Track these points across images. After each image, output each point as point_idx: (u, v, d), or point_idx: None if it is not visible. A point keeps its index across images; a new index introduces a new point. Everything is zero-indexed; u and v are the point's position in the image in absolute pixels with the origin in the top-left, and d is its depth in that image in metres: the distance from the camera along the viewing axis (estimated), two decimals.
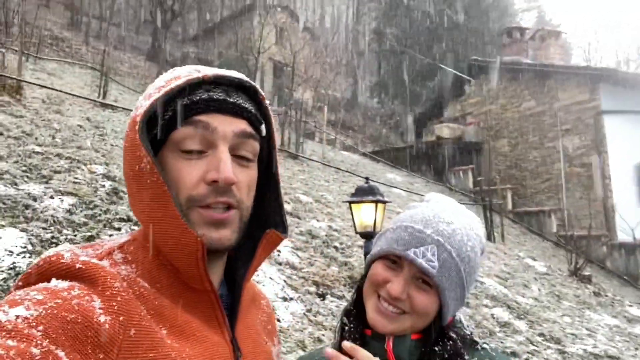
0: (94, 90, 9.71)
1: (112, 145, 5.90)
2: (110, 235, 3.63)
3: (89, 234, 3.52)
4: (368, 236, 3.03)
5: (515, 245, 9.56)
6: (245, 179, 0.75)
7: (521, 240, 10.65)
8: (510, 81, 14.50)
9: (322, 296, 4.11)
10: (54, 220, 3.45)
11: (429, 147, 14.67)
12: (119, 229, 3.77)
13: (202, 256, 0.70)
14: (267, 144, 0.83)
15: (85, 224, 3.62)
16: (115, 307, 0.62)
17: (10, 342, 0.52)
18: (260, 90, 0.80)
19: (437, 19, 22.86)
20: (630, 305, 7.51)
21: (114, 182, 4.54)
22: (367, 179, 3.20)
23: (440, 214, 1.01)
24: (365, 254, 3.15)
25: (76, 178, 4.25)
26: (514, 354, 4.22)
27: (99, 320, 0.59)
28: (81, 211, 3.74)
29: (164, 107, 0.73)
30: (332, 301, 4.09)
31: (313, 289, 4.15)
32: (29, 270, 0.66)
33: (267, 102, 0.81)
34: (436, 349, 0.95)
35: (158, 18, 18.94)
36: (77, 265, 0.64)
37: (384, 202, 3.03)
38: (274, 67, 23.79)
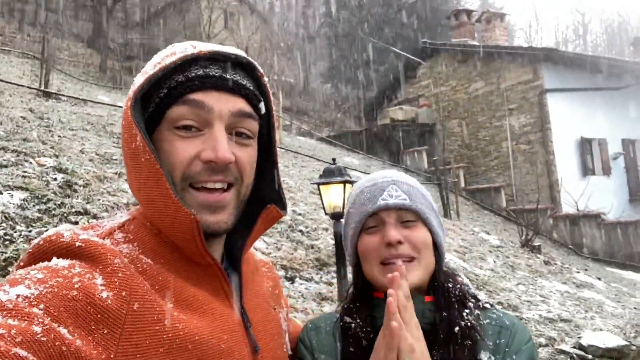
0: (34, 80, 9.14)
1: (60, 136, 5.60)
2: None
3: (44, 229, 3.34)
4: (337, 217, 3.04)
5: (470, 221, 9.93)
6: (245, 156, 0.74)
7: (475, 216, 11.08)
8: (459, 63, 14.90)
9: (291, 279, 4.12)
10: (5, 217, 3.25)
11: (384, 129, 14.89)
12: (76, 223, 3.60)
13: (198, 233, 0.69)
14: (266, 122, 0.82)
15: (40, 218, 3.44)
16: (117, 283, 0.61)
17: (11, 321, 0.51)
18: (258, 66, 0.78)
19: (387, 2, 23.03)
20: (577, 272, 8.01)
21: (66, 174, 4.32)
22: (333, 160, 3.21)
23: (376, 172, 1.08)
24: (335, 234, 3.17)
25: (25, 172, 4.01)
26: None
27: (101, 297, 0.59)
28: (34, 206, 3.54)
29: (159, 84, 0.71)
30: (301, 284, 4.11)
31: (282, 272, 4.15)
32: (30, 250, 0.64)
33: (265, 79, 0.80)
34: (451, 309, 0.95)
35: (99, 2, 18.00)
36: (77, 244, 0.63)
37: (352, 182, 3.05)
38: None
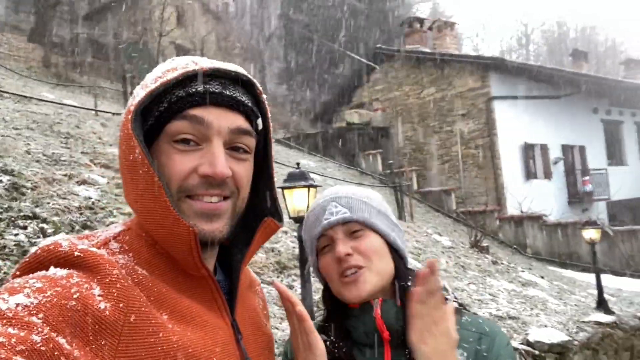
0: None
1: (3, 136, 5.30)
2: (16, 235, 3.29)
3: None
4: (301, 220, 3.06)
5: (423, 223, 10.22)
6: (242, 171, 0.76)
7: (427, 218, 11.41)
8: (412, 69, 15.30)
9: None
10: None
11: (340, 132, 15.04)
12: (24, 228, 3.42)
13: (195, 245, 0.70)
14: (263, 137, 0.84)
15: None
16: (115, 294, 0.62)
17: (11, 330, 0.51)
18: (257, 83, 0.80)
19: (341, 6, 23.30)
20: (522, 271, 8.43)
21: (12, 176, 4.09)
22: (298, 164, 3.22)
23: (323, 192, 1.13)
24: (298, 238, 3.19)
25: None
26: None
27: (99, 307, 0.59)
28: None
29: (159, 98, 0.73)
30: (262, 287, 4.09)
31: None
32: (27, 259, 0.64)
33: (264, 96, 0.82)
34: (408, 285, 1.00)
35: None
36: (76, 253, 0.63)
37: (316, 187, 3.08)
38: (176, 52, 22.69)
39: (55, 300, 0.56)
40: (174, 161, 0.72)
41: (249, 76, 0.78)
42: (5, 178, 3.97)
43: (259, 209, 0.85)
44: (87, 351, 0.56)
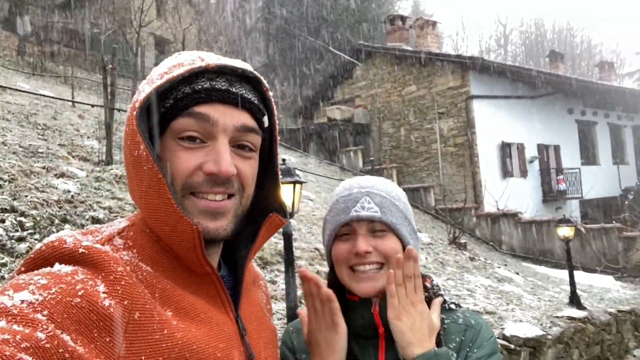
0: None
1: None
2: None
3: None
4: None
5: None
6: (247, 169, 0.76)
7: None
8: (393, 66, 15.41)
9: None
10: None
11: (321, 128, 15.06)
12: (2, 221, 3.35)
13: (199, 243, 0.71)
14: (269, 135, 0.84)
15: None
16: (119, 291, 0.62)
17: (16, 327, 0.52)
18: (264, 81, 0.81)
19: (323, 2, 23.25)
20: (498, 267, 8.63)
21: None
22: (283, 160, 3.23)
23: (356, 179, 1.15)
24: (284, 234, 3.20)
25: None
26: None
27: (104, 305, 0.59)
28: None
29: (165, 94, 0.72)
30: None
31: None
32: (31, 255, 0.64)
33: (270, 93, 0.82)
34: None
35: None
36: (80, 250, 0.63)
37: (301, 183, 3.10)
38: (155, 43, 22.31)
39: (60, 297, 0.56)
40: (179, 158, 0.72)
41: (256, 73, 0.78)
42: None
43: (264, 205, 0.85)
44: (91, 348, 0.56)
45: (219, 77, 0.74)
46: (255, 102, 0.78)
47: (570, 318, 5.78)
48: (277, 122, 0.85)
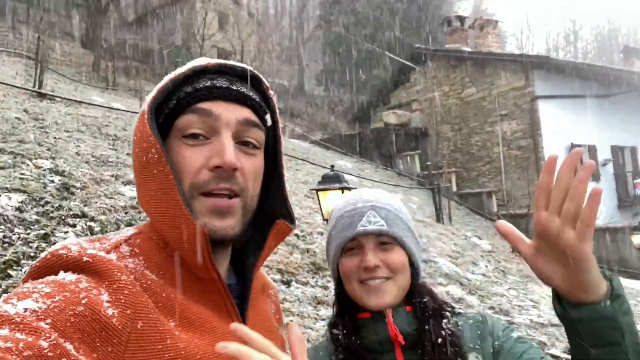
0: (28, 80, 9.11)
1: (55, 138, 5.60)
2: (66, 233, 3.48)
3: (43, 231, 3.36)
4: None
5: (462, 225, 10.03)
6: (250, 166, 0.75)
7: (466, 221, 11.18)
8: (452, 68, 15.04)
9: (287, 283, 4.16)
10: (3, 219, 3.25)
11: (377, 133, 14.97)
12: (73, 226, 3.61)
13: (206, 246, 0.70)
14: (272, 135, 0.83)
15: (38, 221, 3.44)
16: (123, 300, 0.62)
17: (19, 335, 0.52)
18: (264, 79, 0.80)
19: (380, 6, 23.17)
20: None
21: (63, 176, 4.32)
22: (332, 166, 3.25)
23: (357, 192, 1.14)
24: None
25: (22, 174, 4.01)
26: None
27: (107, 313, 0.59)
28: (32, 208, 3.55)
29: (169, 96, 0.74)
30: (297, 287, 4.15)
31: (278, 276, 4.19)
32: (37, 264, 0.65)
33: (271, 92, 0.82)
34: (431, 320, 1.03)
35: (93, 2, 17.91)
36: (85, 259, 0.63)
37: (350, 189, 3.10)
38: (217, 55, 23.23)
39: (63, 305, 0.56)
40: (185, 157, 0.72)
41: (256, 72, 0.79)
42: (56, 178, 4.21)
43: (270, 211, 0.84)
44: (94, 358, 0.56)
45: (220, 76, 0.76)
46: (257, 99, 0.78)
47: None
48: (279, 121, 0.84)
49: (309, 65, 29.54)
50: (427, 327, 1.01)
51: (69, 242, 0.67)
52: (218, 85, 0.74)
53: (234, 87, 0.75)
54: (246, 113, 0.75)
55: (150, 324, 0.63)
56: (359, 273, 1.04)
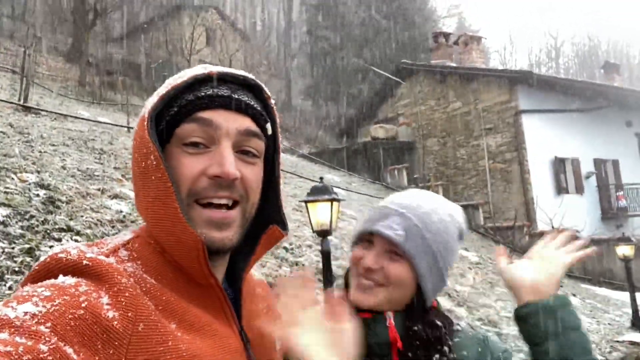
0: (13, 94, 9.03)
1: (41, 152, 5.54)
2: (51, 247, 3.43)
3: (27, 245, 3.31)
4: (324, 234, 3.09)
5: None
6: (251, 174, 0.75)
7: None
8: (438, 83, 15.27)
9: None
10: None
11: (365, 147, 15.08)
12: (59, 240, 3.57)
13: (203, 254, 0.70)
14: (272, 144, 0.84)
15: (23, 235, 3.39)
16: (123, 303, 0.61)
17: (18, 339, 0.51)
18: (265, 88, 0.81)
19: (366, 22, 23.52)
20: None
21: (48, 190, 4.27)
22: (321, 178, 3.27)
23: (409, 194, 1.12)
24: (322, 252, 3.22)
25: (7, 188, 3.96)
26: None
27: (107, 316, 0.59)
28: (17, 222, 3.50)
29: (170, 104, 0.74)
30: None
31: None
32: (36, 267, 0.64)
33: (272, 101, 0.82)
34: (415, 328, 1.02)
35: (79, 17, 17.88)
36: (84, 262, 0.63)
37: (339, 201, 3.11)
38: None
39: (63, 309, 0.56)
40: (184, 165, 0.72)
41: (257, 81, 0.79)
42: (42, 192, 4.16)
43: (264, 216, 0.84)
44: None
45: (222, 84, 0.76)
46: (258, 108, 0.78)
47: (633, 343, 5.39)
48: (279, 130, 0.84)
49: (297, 81, 29.75)
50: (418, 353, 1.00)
51: (68, 246, 0.66)
52: (219, 93, 0.74)
53: (235, 96, 0.75)
54: (247, 122, 0.75)
55: (152, 326, 0.63)
56: (358, 265, 1.06)
